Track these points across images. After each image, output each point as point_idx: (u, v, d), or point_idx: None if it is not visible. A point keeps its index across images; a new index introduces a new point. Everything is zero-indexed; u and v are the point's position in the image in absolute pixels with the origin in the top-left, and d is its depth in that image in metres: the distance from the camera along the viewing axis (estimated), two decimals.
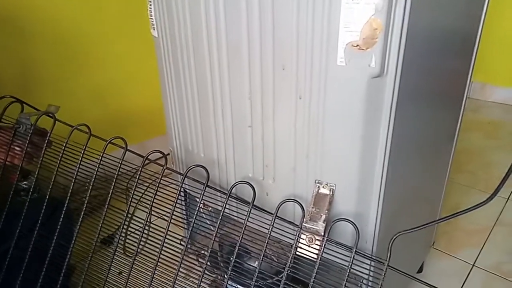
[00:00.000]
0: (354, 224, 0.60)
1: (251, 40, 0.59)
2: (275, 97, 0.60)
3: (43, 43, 1.30)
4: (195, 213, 0.71)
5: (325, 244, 0.61)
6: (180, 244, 0.76)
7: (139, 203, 0.78)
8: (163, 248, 0.72)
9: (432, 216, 1.03)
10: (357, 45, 0.51)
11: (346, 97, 0.55)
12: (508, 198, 1.39)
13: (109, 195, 0.74)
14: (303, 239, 0.62)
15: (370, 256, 0.63)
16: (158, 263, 0.73)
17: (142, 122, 1.62)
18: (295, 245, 0.62)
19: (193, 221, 0.72)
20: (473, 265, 1.12)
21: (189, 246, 0.75)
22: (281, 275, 0.65)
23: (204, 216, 0.91)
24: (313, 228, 0.61)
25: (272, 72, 0.59)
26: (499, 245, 1.19)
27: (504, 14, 2.15)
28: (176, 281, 0.72)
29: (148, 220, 0.74)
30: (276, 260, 0.82)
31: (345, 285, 0.61)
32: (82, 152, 0.72)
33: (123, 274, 0.79)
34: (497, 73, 2.29)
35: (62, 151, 0.74)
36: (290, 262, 0.63)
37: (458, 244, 1.19)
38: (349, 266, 0.60)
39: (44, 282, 0.75)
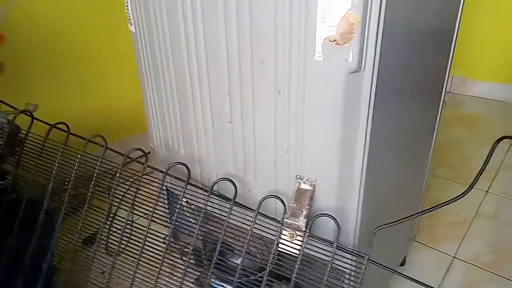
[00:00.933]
0: (335, 219, 0.60)
1: (229, 36, 0.59)
2: (254, 92, 0.60)
3: (20, 38, 1.27)
4: (176, 211, 0.70)
5: (306, 240, 0.61)
6: (163, 242, 0.76)
7: (121, 202, 0.77)
8: (146, 247, 0.72)
9: (413, 210, 1.04)
10: (334, 40, 0.51)
11: (324, 92, 0.55)
12: (487, 191, 1.42)
13: (89, 194, 0.72)
14: (285, 235, 0.62)
15: (351, 250, 0.63)
16: (141, 262, 0.72)
17: (123, 119, 1.60)
18: (277, 241, 0.63)
19: (174, 219, 0.71)
20: (454, 257, 1.14)
21: (172, 244, 0.75)
22: (264, 272, 0.65)
23: (188, 214, 0.91)
24: (295, 223, 0.61)
25: (251, 67, 0.58)
26: (478, 237, 1.22)
27: (482, 9, 2.19)
28: (159, 279, 0.72)
29: (130, 219, 0.73)
30: (260, 257, 0.82)
31: (326, 280, 0.61)
32: (61, 150, 0.71)
33: (105, 273, 0.78)
34: (477, 68, 2.34)
35: (40, 150, 0.72)
36: (273, 258, 0.63)
37: (439, 237, 1.22)
38: (331, 261, 0.61)
39: (25, 284, 0.74)
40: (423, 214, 0.65)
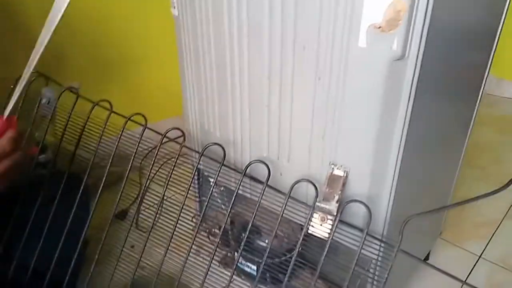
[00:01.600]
0: (367, 206, 0.61)
1: (273, 19, 0.59)
2: (294, 77, 0.61)
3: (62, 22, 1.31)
4: (210, 192, 0.72)
5: (337, 224, 0.62)
6: (192, 221, 0.78)
7: (153, 180, 0.80)
8: (175, 224, 0.74)
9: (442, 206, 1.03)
10: (380, 27, 0.51)
11: (366, 79, 0.56)
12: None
13: (128, 171, 0.75)
14: (315, 218, 0.63)
15: (381, 238, 0.64)
16: (170, 239, 0.75)
17: (158, 102, 1.62)
18: (307, 223, 0.64)
19: (207, 200, 0.73)
20: (480, 256, 1.13)
21: (199, 223, 0.77)
22: (292, 253, 0.67)
23: (216, 195, 0.93)
24: (326, 208, 0.62)
25: (292, 52, 0.59)
26: (506, 238, 1.19)
27: None
28: (188, 257, 0.74)
29: (163, 195, 0.76)
30: (287, 240, 0.84)
31: (354, 267, 0.62)
32: (103, 126, 0.73)
33: (135, 247, 0.81)
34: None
35: (84, 126, 0.76)
36: (301, 241, 0.65)
37: (466, 235, 1.20)
38: (360, 248, 0.62)
39: (63, 253, 0.78)
40: (454, 207, 0.65)
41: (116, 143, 0.74)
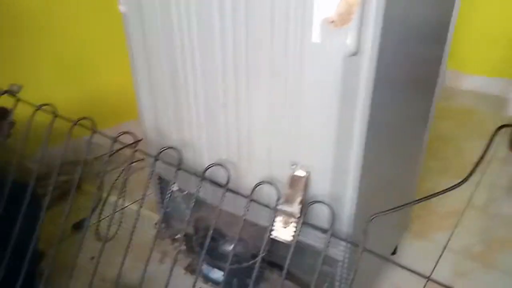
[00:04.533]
0: (330, 206, 0.59)
1: (223, 15, 0.57)
2: (249, 74, 0.58)
3: (4, 17, 1.23)
4: (168, 196, 0.69)
5: (300, 227, 0.60)
6: (155, 227, 0.75)
7: (111, 187, 0.75)
8: (137, 232, 0.70)
9: (406, 201, 1.04)
10: (333, 21, 0.50)
11: (322, 76, 0.54)
12: (479, 182, 1.43)
13: (77, 180, 0.71)
14: (278, 221, 0.61)
15: (345, 239, 0.62)
16: (132, 248, 0.71)
17: (113, 106, 1.56)
18: (270, 228, 0.61)
19: (165, 204, 0.70)
20: (445, 247, 1.15)
21: (163, 230, 0.73)
22: (256, 259, 0.64)
23: (179, 200, 0.89)
24: (288, 210, 0.60)
25: (245, 48, 0.57)
26: (470, 228, 1.22)
27: (476, 2, 2.19)
28: (150, 266, 0.70)
29: (120, 204, 0.72)
30: (252, 244, 0.81)
31: (320, 268, 0.60)
32: (47, 133, 0.68)
33: (94, 259, 0.76)
34: (469, 61, 2.34)
35: (26, 133, 0.70)
36: (265, 245, 0.62)
37: (431, 227, 1.22)
38: (324, 249, 0.60)
39: (10, 269, 0.72)
40: (419, 202, 0.65)
41: (63, 151, 0.69)
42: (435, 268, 1.08)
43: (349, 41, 0.50)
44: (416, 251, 1.14)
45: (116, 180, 0.75)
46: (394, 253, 1.10)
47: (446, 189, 0.70)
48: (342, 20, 0.49)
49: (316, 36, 0.51)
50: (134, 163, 0.67)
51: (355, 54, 0.51)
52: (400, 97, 0.72)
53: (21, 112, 0.73)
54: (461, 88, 2.33)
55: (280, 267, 0.69)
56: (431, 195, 0.70)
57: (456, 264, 1.09)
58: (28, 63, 1.32)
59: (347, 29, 0.49)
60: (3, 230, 0.73)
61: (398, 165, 0.90)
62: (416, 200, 0.68)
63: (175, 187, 0.90)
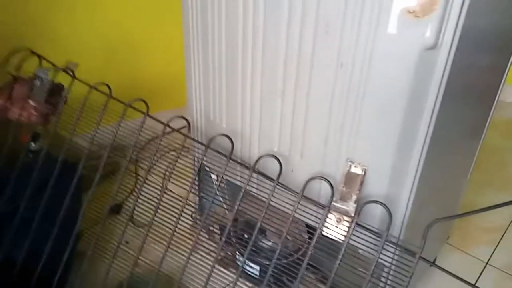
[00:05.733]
0: (388, 208, 0.56)
1: None
2: (313, 63, 0.56)
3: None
4: (215, 188, 0.67)
5: (354, 226, 0.57)
6: (191, 218, 0.74)
7: (151, 172, 0.75)
8: (173, 220, 0.69)
9: (451, 211, 0.99)
10: (413, 12, 0.47)
11: (392, 69, 0.51)
12: None
13: (127, 162, 0.70)
14: (331, 218, 0.59)
15: (401, 245, 0.59)
16: (167, 237, 0.70)
17: (160, 92, 1.55)
18: (321, 224, 0.59)
19: (211, 195, 0.68)
20: (487, 263, 1.09)
21: (201, 221, 0.72)
22: (302, 254, 0.62)
23: (219, 191, 0.88)
24: (343, 208, 0.58)
25: (313, 35, 0.54)
26: None
27: None
28: (183, 256, 0.69)
29: (162, 191, 0.71)
30: (292, 240, 0.79)
31: (372, 275, 0.58)
32: (101, 113, 0.68)
33: (130, 243, 0.76)
34: None
35: (79, 112, 0.70)
36: (314, 242, 0.60)
37: (472, 241, 1.17)
38: (379, 254, 0.57)
39: (53, 245, 0.73)
40: (479, 212, 0.61)
41: (115, 132, 0.68)
42: (476, 284, 1.03)
43: (429, 33, 0.47)
44: (456, 264, 1.09)
45: (154, 163, 0.74)
46: (432, 264, 1.06)
47: (507, 203, 0.66)
48: (423, 10, 0.46)
49: (392, 26, 0.48)
50: (180, 150, 0.66)
51: (433, 48, 0.48)
52: (464, 103, 0.68)
53: (74, 91, 0.73)
54: (507, 100, 2.23)
55: (314, 267, 0.66)
56: (490, 207, 0.66)
57: (497, 281, 1.04)
58: (81, 43, 1.33)
59: (428, 21, 0.46)
60: (49, 207, 0.73)
61: (450, 174, 0.86)
62: (475, 211, 0.64)
63: (214, 176, 0.89)
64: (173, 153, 0.71)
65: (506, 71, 0.87)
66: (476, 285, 1.04)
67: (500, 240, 1.17)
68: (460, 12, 0.47)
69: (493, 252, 1.13)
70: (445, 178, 0.81)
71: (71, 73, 0.71)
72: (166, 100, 1.51)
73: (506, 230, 1.21)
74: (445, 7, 0.46)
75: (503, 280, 1.04)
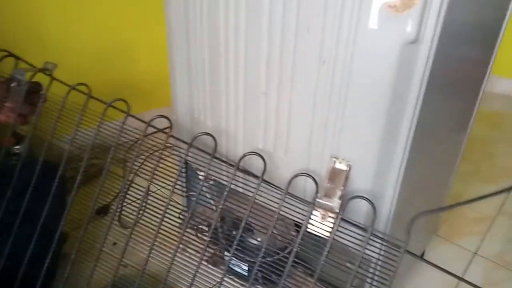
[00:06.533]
0: (372, 204, 0.56)
1: None
2: (295, 61, 0.56)
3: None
4: (200, 185, 0.67)
5: (339, 222, 0.57)
6: (179, 217, 0.73)
7: (137, 172, 0.74)
8: (160, 219, 0.68)
9: (439, 203, 1.00)
10: (394, 6, 0.46)
11: (374, 64, 0.50)
12: (510, 188, 1.37)
13: (106, 163, 0.69)
14: (315, 215, 0.58)
15: (386, 239, 0.59)
16: (155, 235, 0.69)
17: (144, 91, 1.54)
18: (307, 221, 0.59)
19: (197, 194, 0.68)
20: (475, 253, 1.10)
21: (188, 220, 0.71)
22: (288, 251, 0.62)
23: (205, 190, 0.87)
24: (328, 204, 0.57)
25: (295, 34, 0.54)
26: (501, 235, 1.17)
27: None
28: (172, 254, 0.69)
29: (148, 190, 0.70)
30: (279, 238, 0.79)
31: (358, 267, 0.58)
32: (80, 114, 0.67)
33: (117, 245, 0.75)
34: (505, 65, 2.25)
35: (58, 112, 0.69)
36: (299, 239, 0.60)
37: (460, 232, 1.18)
38: (364, 248, 0.57)
39: (36, 249, 0.71)
40: (466, 204, 0.61)
41: (96, 133, 0.67)
42: (464, 274, 1.04)
43: (410, 28, 0.46)
44: (444, 256, 1.09)
45: (140, 165, 0.73)
46: (421, 256, 1.06)
47: (493, 193, 0.66)
48: (404, 5, 0.46)
49: (373, 21, 0.48)
50: (165, 149, 0.65)
51: (414, 42, 0.48)
52: (449, 96, 0.68)
53: (54, 92, 0.71)
54: (495, 91, 2.25)
55: (304, 263, 0.66)
56: (474, 199, 0.66)
57: (486, 272, 1.05)
58: (63, 43, 1.30)
59: (408, 15, 0.46)
60: (31, 210, 0.72)
61: (436, 167, 0.86)
62: (460, 203, 0.64)
63: (202, 175, 0.88)
64: (157, 153, 0.70)
65: (491, 62, 0.88)
66: (465, 276, 1.06)
67: (487, 230, 1.19)
68: (441, 5, 0.46)
69: (481, 243, 1.14)
70: (431, 171, 0.81)
71: (48, 74, 0.69)
72: (155, 99, 1.50)
73: (494, 220, 1.23)
74: (425, 0, 0.45)
75: (492, 269, 1.05)
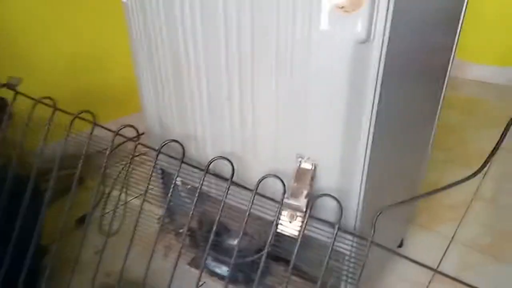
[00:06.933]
0: (337, 200, 0.58)
1: (227, 5, 0.54)
2: (253, 66, 0.56)
3: (8, 8, 1.20)
4: (171, 190, 0.67)
5: (307, 221, 0.58)
6: (158, 222, 0.73)
7: (114, 182, 0.74)
8: (140, 227, 0.69)
9: (412, 193, 1.02)
10: (342, 7, 0.47)
11: (329, 64, 0.52)
12: (486, 173, 1.41)
13: (77, 175, 0.69)
14: (284, 215, 0.59)
15: (353, 232, 0.61)
16: (136, 243, 0.70)
17: (116, 99, 1.54)
18: (276, 222, 0.60)
19: (168, 198, 0.68)
20: (452, 239, 1.13)
21: (166, 224, 0.72)
22: (261, 253, 0.63)
23: (183, 195, 0.88)
24: (295, 204, 0.58)
25: (250, 38, 0.55)
26: (477, 220, 1.21)
27: None
28: (154, 259, 0.69)
29: (123, 198, 0.70)
30: (257, 238, 0.80)
31: (327, 263, 0.59)
32: (47, 127, 0.67)
33: (98, 253, 0.75)
34: (476, 51, 2.30)
35: (25, 127, 0.68)
36: (271, 240, 0.61)
37: (438, 219, 1.21)
38: (332, 243, 0.59)
39: (11, 265, 0.71)
40: (429, 195, 0.63)
41: (63, 144, 0.67)
42: (442, 261, 1.07)
43: (360, 27, 0.48)
44: (423, 244, 1.12)
45: (118, 174, 0.73)
46: (400, 245, 1.09)
47: (459, 181, 0.67)
48: (352, 6, 0.47)
49: (324, 22, 0.49)
50: (136, 157, 0.65)
51: (365, 41, 0.49)
52: (410, 87, 0.69)
53: (22, 106, 0.71)
54: (467, 77, 2.30)
55: (285, 261, 0.68)
56: (443, 187, 0.68)
57: (464, 257, 1.08)
58: (28, 56, 1.29)
59: (357, 16, 0.47)
60: (6, 225, 0.72)
61: (406, 157, 0.88)
62: (426, 193, 0.66)
63: (179, 181, 0.88)
64: (130, 160, 0.70)
65: (453, 47, 0.89)
66: (442, 261, 1.08)
67: (464, 216, 1.22)
68: (389, 2, 0.48)
69: (457, 228, 1.17)
70: (400, 162, 0.83)
71: (12, 88, 0.69)
72: (134, 105, 1.49)
73: (470, 206, 1.26)
74: (372, 0, 0.47)
75: (468, 254, 1.08)
